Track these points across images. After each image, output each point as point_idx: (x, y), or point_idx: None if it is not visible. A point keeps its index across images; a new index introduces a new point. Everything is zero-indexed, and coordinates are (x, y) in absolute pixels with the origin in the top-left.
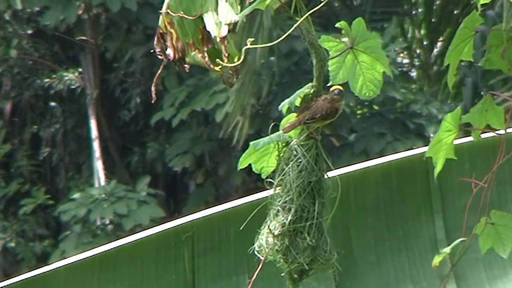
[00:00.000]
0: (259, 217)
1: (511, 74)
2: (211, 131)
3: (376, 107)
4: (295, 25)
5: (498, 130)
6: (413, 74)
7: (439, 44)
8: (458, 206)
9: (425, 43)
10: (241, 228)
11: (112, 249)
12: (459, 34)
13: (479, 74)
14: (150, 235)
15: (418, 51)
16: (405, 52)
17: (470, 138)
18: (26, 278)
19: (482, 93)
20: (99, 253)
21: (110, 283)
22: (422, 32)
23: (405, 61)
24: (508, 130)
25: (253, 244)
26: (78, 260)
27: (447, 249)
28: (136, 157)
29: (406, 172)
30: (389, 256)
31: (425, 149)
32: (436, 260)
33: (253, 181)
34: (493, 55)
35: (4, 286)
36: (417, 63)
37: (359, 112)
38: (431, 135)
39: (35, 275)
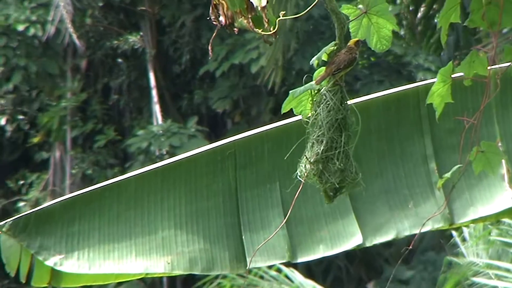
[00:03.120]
0: (288, 139)
1: (490, 31)
2: (246, 80)
3: (372, 59)
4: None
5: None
6: (402, 33)
7: (422, 9)
8: (442, 129)
9: (411, 8)
10: (275, 143)
11: (171, 163)
12: (448, 1)
13: (460, 33)
14: (201, 151)
15: (405, 14)
16: (395, 15)
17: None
18: (106, 185)
19: (461, 45)
20: (161, 166)
21: (171, 189)
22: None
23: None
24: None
25: (282, 160)
26: (145, 171)
27: (447, 175)
28: (186, 101)
29: (401, 102)
30: (389, 169)
31: (415, 84)
32: (439, 183)
33: (278, 118)
34: (475, 17)
35: (88, 191)
36: (404, 24)
37: (361, 62)
38: (421, 77)
39: (112, 183)
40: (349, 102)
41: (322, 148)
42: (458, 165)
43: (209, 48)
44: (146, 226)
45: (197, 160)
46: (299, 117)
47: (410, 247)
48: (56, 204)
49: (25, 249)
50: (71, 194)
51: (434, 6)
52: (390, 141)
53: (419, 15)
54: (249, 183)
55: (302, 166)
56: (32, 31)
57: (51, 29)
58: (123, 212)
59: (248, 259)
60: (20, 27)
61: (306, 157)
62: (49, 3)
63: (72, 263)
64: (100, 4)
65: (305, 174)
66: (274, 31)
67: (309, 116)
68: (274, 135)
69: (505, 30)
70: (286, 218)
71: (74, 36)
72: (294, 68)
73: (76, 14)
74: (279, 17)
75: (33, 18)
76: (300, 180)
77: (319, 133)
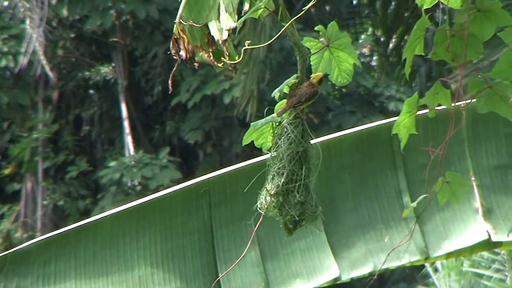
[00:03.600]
0: (261, 176)
1: (454, 64)
2: (218, 111)
3: (344, 90)
4: (281, 30)
5: (447, 107)
6: (374, 64)
7: (393, 40)
8: (415, 163)
9: (382, 39)
10: (249, 181)
11: (146, 202)
12: (413, 34)
13: (433, 64)
14: (176, 190)
15: (376, 47)
16: (367, 47)
17: (420, 112)
18: (81, 225)
19: (433, 76)
20: (136, 205)
21: (146, 228)
22: (379, 32)
23: (367, 52)
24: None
25: (257, 197)
26: (120, 211)
27: (413, 204)
28: (158, 132)
29: (374, 138)
30: (363, 204)
31: (387, 120)
32: (404, 213)
33: (250, 149)
34: (439, 49)
35: (64, 231)
36: (376, 56)
37: (333, 94)
38: (393, 108)
39: (87, 222)
40: (322, 138)
41: (282, 180)
42: (424, 195)
43: (169, 82)
44: (122, 265)
45: (172, 199)
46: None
47: (375, 277)
48: (32, 245)
49: None
50: (47, 235)
51: (405, 37)
52: (363, 176)
53: (390, 46)
54: (224, 221)
55: (262, 198)
56: (3, 62)
57: (24, 61)
58: (99, 251)
59: None
60: None
61: (267, 189)
62: (20, 34)
63: None
64: (72, 35)
65: (265, 206)
66: (235, 63)
67: (270, 149)
68: (248, 172)
69: (474, 61)
70: (241, 257)
71: (47, 68)
72: (266, 99)
73: (48, 45)
74: (241, 51)
75: (5, 49)
76: (260, 213)
77: (280, 166)
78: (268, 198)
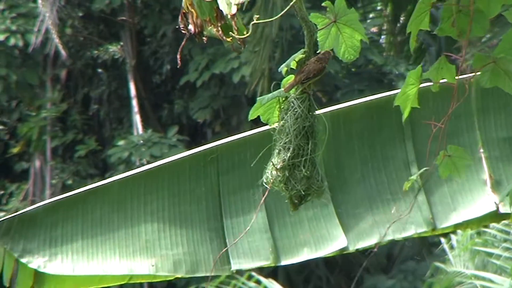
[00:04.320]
0: (269, 145)
1: (459, 39)
2: (226, 90)
3: (353, 70)
4: (289, 5)
5: (452, 82)
6: (383, 42)
7: (401, 18)
8: (424, 134)
9: (390, 17)
10: (257, 148)
11: (154, 167)
12: (418, 8)
13: (442, 43)
14: (184, 156)
15: (385, 24)
16: (376, 27)
17: (425, 84)
18: (89, 189)
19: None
20: (144, 170)
21: (154, 193)
22: (388, 9)
23: (375, 30)
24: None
25: (265, 164)
26: (128, 176)
27: (413, 177)
28: (166, 111)
29: (384, 108)
30: (372, 174)
31: (397, 91)
32: (405, 185)
33: (259, 128)
34: (445, 25)
35: (72, 194)
36: (385, 34)
37: (341, 72)
38: (400, 86)
39: (96, 186)
40: (331, 108)
41: (288, 155)
42: (425, 168)
43: (178, 57)
44: (129, 229)
45: (180, 165)
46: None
47: (375, 249)
48: (39, 208)
49: (8, 252)
50: (54, 198)
51: None
52: (372, 146)
53: (399, 24)
54: (232, 188)
55: (268, 172)
56: (12, 41)
57: (37, 39)
58: (106, 215)
59: (232, 261)
60: (0, 37)
61: (273, 164)
62: (29, 13)
63: (56, 265)
64: (80, 14)
65: (271, 181)
66: (243, 37)
67: (277, 123)
68: (257, 141)
69: (484, 39)
70: (251, 223)
71: (60, 46)
72: (275, 78)
73: (58, 24)
74: (249, 26)
75: (13, 28)
76: (266, 187)
77: (286, 140)
78: (274, 172)
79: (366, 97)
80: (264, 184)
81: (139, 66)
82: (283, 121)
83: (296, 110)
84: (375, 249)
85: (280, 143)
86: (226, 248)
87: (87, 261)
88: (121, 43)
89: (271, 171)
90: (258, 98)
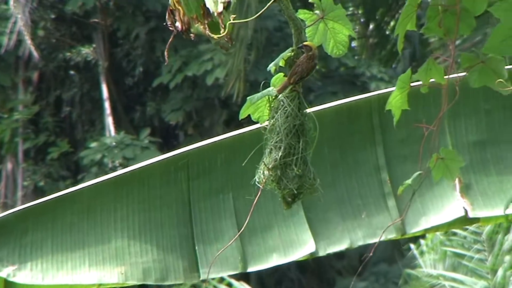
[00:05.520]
0: (239, 149)
1: (446, 38)
2: (199, 92)
3: (323, 70)
4: (269, 3)
5: (441, 83)
6: (354, 45)
7: (374, 21)
8: (394, 139)
9: (362, 20)
10: (228, 153)
11: (124, 174)
12: (405, 10)
13: (417, 46)
14: (154, 162)
15: (357, 27)
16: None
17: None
18: (59, 196)
19: (417, 58)
20: (114, 176)
21: (124, 200)
22: (360, 11)
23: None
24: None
25: (235, 170)
26: (97, 182)
27: (408, 181)
28: (138, 113)
29: (354, 112)
30: (342, 179)
31: (367, 95)
32: (400, 190)
33: (231, 130)
34: (431, 24)
35: (42, 201)
36: (357, 37)
37: (314, 75)
38: (375, 88)
39: (65, 193)
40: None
41: (280, 154)
42: (419, 172)
43: (166, 53)
44: (99, 236)
45: (150, 171)
46: (253, 127)
47: (371, 254)
48: (8, 215)
49: None
50: (24, 206)
51: (385, 19)
52: (342, 151)
53: (371, 27)
54: (202, 194)
55: (260, 172)
56: None
57: (11, 41)
58: (76, 222)
59: (201, 270)
60: None
61: (264, 163)
62: (1, 15)
63: (25, 274)
64: (52, 16)
65: (264, 181)
66: (228, 35)
67: (267, 123)
68: (227, 145)
69: (458, 42)
70: (244, 227)
71: (32, 48)
72: (248, 80)
73: (30, 26)
74: (228, 23)
75: None
76: (258, 187)
77: (277, 139)
78: (266, 172)
79: (336, 101)
80: (256, 184)
81: (112, 68)
82: (273, 120)
83: (286, 108)
84: (371, 254)
85: (271, 142)
86: (219, 252)
87: (56, 269)
88: (94, 45)
89: (263, 171)
90: (248, 97)
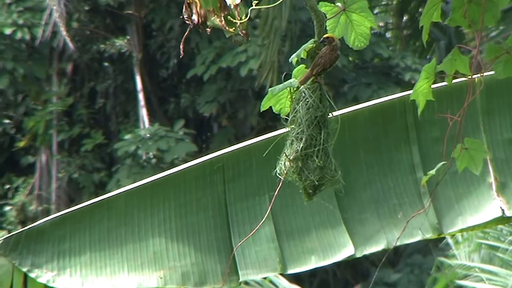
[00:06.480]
0: (274, 151)
1: (470, 29)
2: (233, 84)
3: (357, 61)
4: None
5: (466, 74)
6: (389, 36)
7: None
8: (429, 137)
9: (396, 12)
10: (263, 155)
11: (160, 178)
12: (430, 1)
13: (452, 37)
14: (189, 166)
15: (390, 19)
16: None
17: (433, 85)
18: (95, 202)
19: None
20: (150, 181)
21: (160, 204)
22: (394, 3)
23: (381, 24)
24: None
25: (270, 172)
26: (134, 187)
27: (432, 172)
28: (172, 105)
29: (388, 112)
30: (377, 179)
31: (401, 94)
32: (424, 180)
33: (265, 122)
34: (456, 15)
35: (78, 208)
36: (391, 28)
37: (348, 67)
38: (409, 79)
39: (102, 199)
40: (336, 112)
41: (301, 145)
42: (443, 162)
43: (181, 47)
44: (137, 242)
45: (186, 175)
46: (286, 130)
47: (395, 244)
48: (46, 222)
49: (17, 267)
50: (61, 212)
51: (420, 10)
52: (377, 151)
53: (405, 18)
54: (238, 196)
55: (281, 163)
56: (19, 34)
57: (45, 33)
58: (113, 228)
59: (240, 272)
60: (7, 31)
61: (286, 155)
62: (35, 7)
63: (65, 280)
64: (86, 8)
65: (285, 172)
66: (244, 29)
67: (288, 114)
68: (262, 148)
69: (493, 34)
70: (265, 217)
71: (68, 39)
72: (282, 71)
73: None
74: (258, 21)
75: (20, 21)
76: (280, 179)
77: (298, 131)
78: (287, 163)
79: (369, 102)
80: (277, 175)
81: (146, 60)
82: (295, 112)
83: (307, 100)
84: (395, 244)
85: (293, 133)
86: (231, 255)
87: (95, 275)
88: (128, 37)
89: (285, 162)
90: (269, 89)
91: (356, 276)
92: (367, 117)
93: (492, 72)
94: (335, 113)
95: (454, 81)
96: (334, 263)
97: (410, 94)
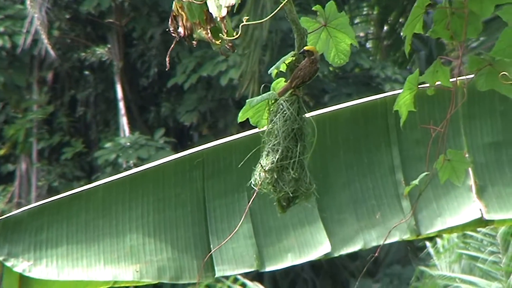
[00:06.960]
0: (254, 149)
1: (451, 42)
2: (213, 93)
3: (340, 73)
4: (279, 7)
5: (447, 85)
6: (369, 46)
7: (388, 22)
8: (410, 139)
9: (377, 22)
10: (243, 153)
11: (139, 172)
12: (413, 12)
13: (433, 48)
14: (169, 161)
15: (371, 28)
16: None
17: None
18: (74, 193)
19: (433, 60)
20: (129, 175)
21: (139, 198)
22: (375, 13)
23: (362, 34)
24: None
25: (250, 169)
26: (112, 180)
27: (415, 182)
28: (153, 114)
29: (369, 113)
30: (357, 179)
31: (383, 95)
32: (406, 190)
33: (246, 131)
34: (438, 27)
35: (57, 199)
36: (371, 38)
37: (329, 77)
38: (390, 89)
39: (81, 191)
40: (317, 112)
41: (277, 157)
42: (425, 173)
43: (167, 59)
44: (114, 235)
45: (165, 170)
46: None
47: (376, 254)
48: (24, 212)
49: None
50: (39, 202)
51: (400, 20)
52: (358, 151)
53: (385, 29)
54: (217, 193)
55: (256, 174)
56: (0, 42)
57: (26, 41)
58: (91, 220)
59: (216, 268)
60: None
61: (261, 165)
62: (16, 15)
63: (41, 270)
64: (67, 16)
65: (260, 183)
66: (234, 38)
67: (266, 126)
68: (242, 145)
69: (473, 45)
70: (237, 228)
71: (49, 47)
72: (264, 81)
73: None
74: (239, 28)
75: (1, 29)
76: (254, 189)
77: (275, 142)
78: (262, 174)
79: (351, 101)
80: (252, 186)
81: (126, 68)
82: (272, 123)
83: (285, 112)
84: (376, 254)
85: (269, 145)
86: (208, 255)
87: (71, 266)
88: (109, 46)
89: (260, 173)
90: (247, 100)
91: (335, 286)
92: (349, 117)
93: (467, 77)
94: (312, 114)
95: (437, 83)
96: (313, 271)
97: (391, 95)
